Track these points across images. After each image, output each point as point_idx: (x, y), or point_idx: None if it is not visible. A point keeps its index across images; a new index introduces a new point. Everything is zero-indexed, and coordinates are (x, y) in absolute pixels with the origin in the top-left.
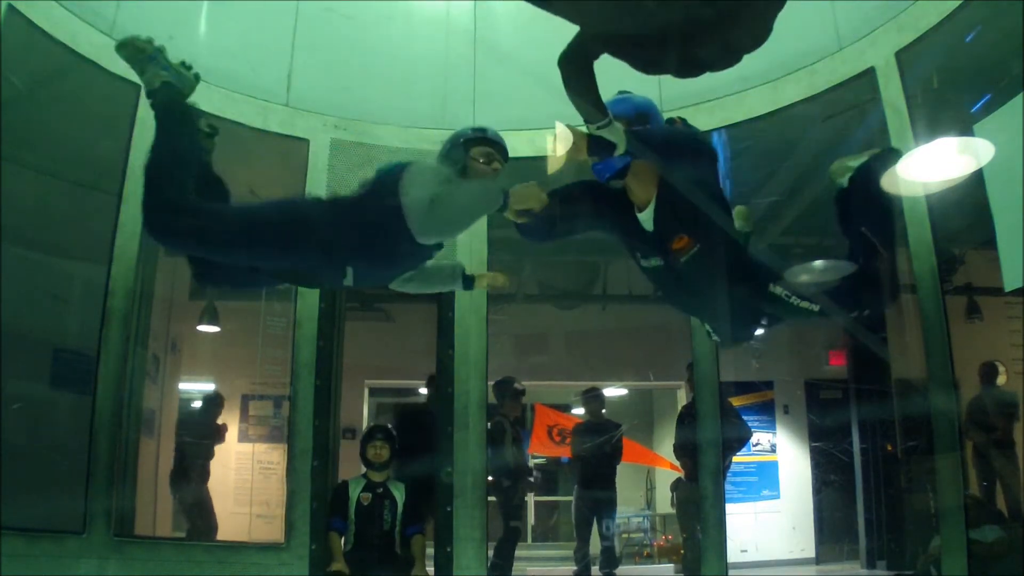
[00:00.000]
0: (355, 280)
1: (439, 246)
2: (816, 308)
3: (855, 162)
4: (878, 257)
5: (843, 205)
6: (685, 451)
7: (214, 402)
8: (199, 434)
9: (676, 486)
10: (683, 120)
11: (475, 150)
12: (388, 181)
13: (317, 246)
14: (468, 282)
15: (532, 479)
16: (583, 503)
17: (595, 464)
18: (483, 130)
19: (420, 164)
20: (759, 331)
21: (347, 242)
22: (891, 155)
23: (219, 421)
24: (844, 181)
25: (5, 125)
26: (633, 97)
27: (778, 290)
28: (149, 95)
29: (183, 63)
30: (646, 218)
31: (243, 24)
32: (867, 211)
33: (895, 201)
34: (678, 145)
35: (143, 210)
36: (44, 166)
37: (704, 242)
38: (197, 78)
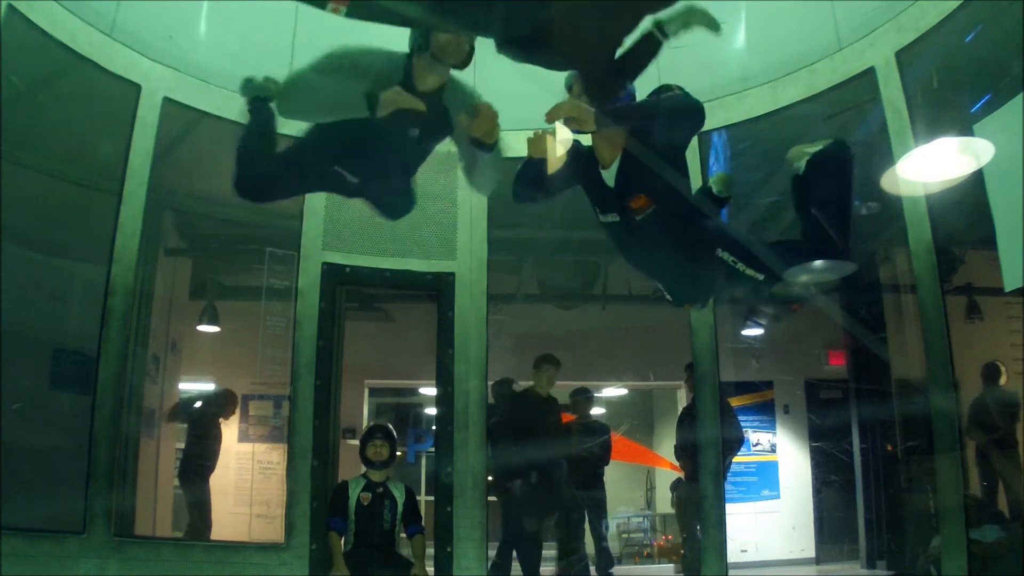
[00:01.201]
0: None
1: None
2: (761, 277)
3: (812, 149)
4: (828, 238)
5: (799, 189)
6: (685, 451)
7: (225, 399)
8: (208, 432)
9: (676, 486)
10: (680, 88)
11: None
12: None
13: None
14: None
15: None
16: (575, 503)
17: (583, 465)
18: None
19: None
20: (710, 296)
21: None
22: (844, 147)
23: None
24: (801, 166)
25: (5, 125)
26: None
27: (725, 255)
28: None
29: (272, 81)
30: (609, 175)
31: (243, 24)
32: (820, 194)
33: (848, 188)
34: (678, 112)
35: (239, 181)
36: (44, 166)
37: (661, 204)
38: (277, 86)
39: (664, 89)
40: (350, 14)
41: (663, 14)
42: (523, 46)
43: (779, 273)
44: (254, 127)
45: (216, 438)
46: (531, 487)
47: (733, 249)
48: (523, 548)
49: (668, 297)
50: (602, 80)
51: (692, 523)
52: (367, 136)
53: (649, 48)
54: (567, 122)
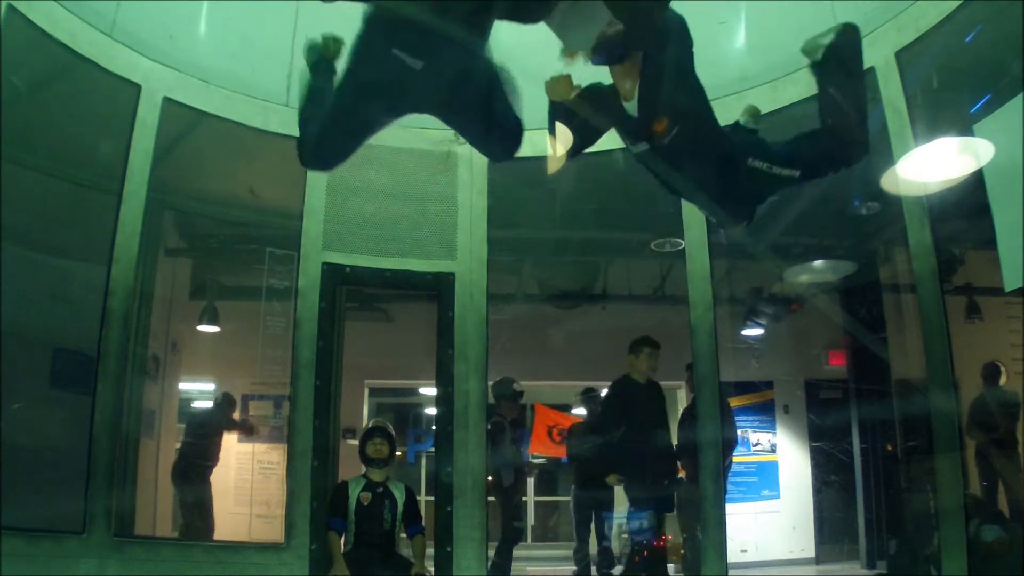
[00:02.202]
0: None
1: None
2: (796, 174)
3: (825, 40)
4: (847, 116)
5: (819, 76)
6: (686, 452)
7: (226, 401)
8: (211, 433)
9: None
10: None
11: None
12: None
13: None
14: None
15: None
16: (581, 503)
17: (592, 462)
18: None
19: None
20: (753, 211)
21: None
22: (854, 31)
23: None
24: (819, 56)
25: (5, 125)
26: None
27: (758, 163)
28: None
29: (334, 39)
30: (631, 107)
31: (243, 24)
32: (838, 79)
33: (861, 72)
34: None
35: (308, 150)
36: (44, 166)
37: (682, 122)
38: (338, 43)
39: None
40: None
41: None
42: None
43: (811, 165)
44: (317, 91)
45: (217, 439)
46: (651, 476)
47: (763, 155)
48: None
49: (712, 219)
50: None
51: (692, 523)
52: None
53: None
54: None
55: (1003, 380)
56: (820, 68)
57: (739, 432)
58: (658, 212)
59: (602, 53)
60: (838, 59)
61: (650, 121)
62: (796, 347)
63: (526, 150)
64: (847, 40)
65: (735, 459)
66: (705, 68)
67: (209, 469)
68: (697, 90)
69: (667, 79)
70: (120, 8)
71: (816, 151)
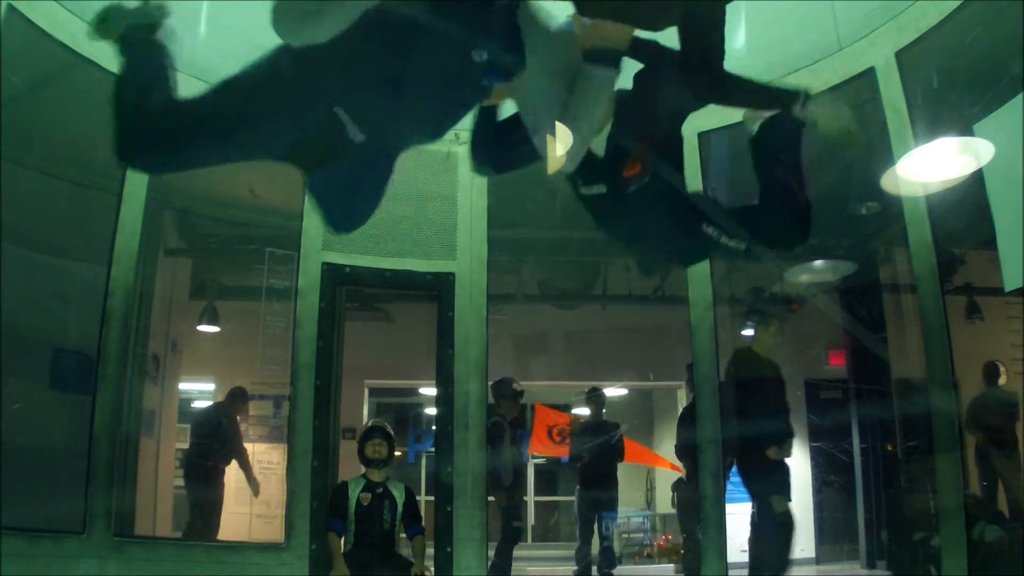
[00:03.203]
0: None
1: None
2: (742, 247)
3: (767, 113)
4: (790, 191)
5: (757, 147)
6: (686, 451)
7: (239, 396)
8: (217, 432)
9: (677, 486)
10: None
11: None
12: None
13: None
14: None
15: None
16: (585, 503)
17: (596, 464)
18: None
19: None
20: (686, 266)
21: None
22: (804, 99)
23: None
24: (756, 128)
25: (5, 125)
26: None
27: (710, 230)
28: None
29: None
30: (598, 141)
31: (243, 24)
32: (779, 151)
33: (800, 144)
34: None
35: (129, 144)
36: (44, 166)
37: (656, 173)
38: (161, 10)
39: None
40: None
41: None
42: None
43: (757, 239)
44: (142, 69)
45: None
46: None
47: (718, 224)
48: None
49: (638, 267)
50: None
51: (692, 523)
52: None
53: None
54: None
55: (1002, 380)
56: (759, 141)
57: None
58: None
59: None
60: (780, 133)
61: (619, 163)
62: (796, 347)
63: None
64: (788, 115)
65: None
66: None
67: (216, 469)
68: (680, 141)
69: (656, 116)
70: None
71: (758, 228)
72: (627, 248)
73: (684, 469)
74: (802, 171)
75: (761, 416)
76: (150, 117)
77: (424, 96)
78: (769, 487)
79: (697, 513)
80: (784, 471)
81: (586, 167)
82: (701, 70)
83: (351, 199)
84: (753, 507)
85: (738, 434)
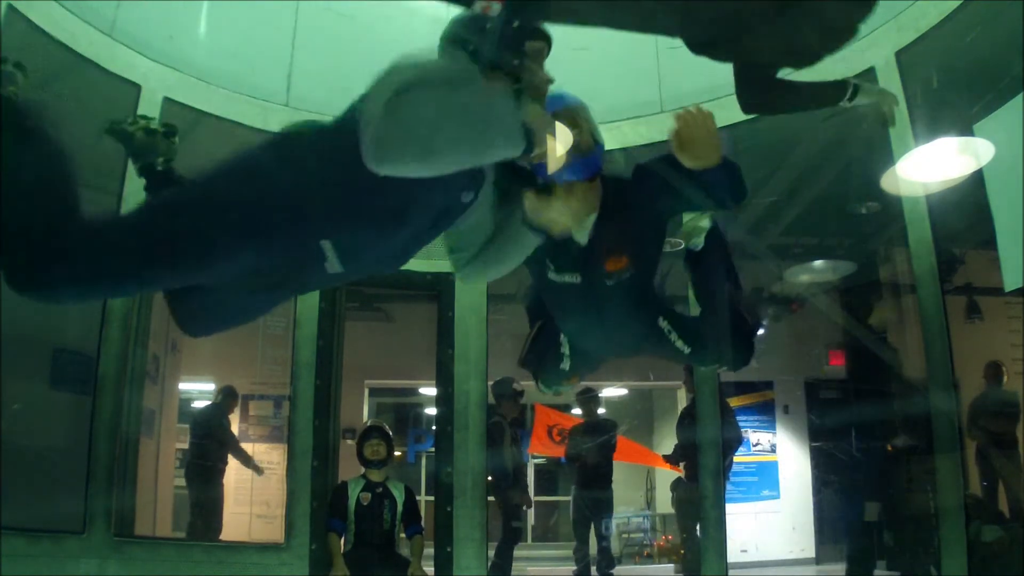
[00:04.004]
0: (345, 263)
1: (462, 199)
2: (687, 350)
3: (705, 223)
4: (736, 312)
5: (696, 264)
6: (686, 451)
7: (229, 396)
8: (214, 432)
9: (676, 486)
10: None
11: (535, 45)
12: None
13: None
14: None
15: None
16: (581, 503)
17: (592, 464)
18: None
19: (410, 57)
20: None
21: (304, 199)
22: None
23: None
24: (700, 242)
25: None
26: (567, 94)
27: (664, 324)
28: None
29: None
30: (581, 231)
31: (243, 24)
32: (720, 266)
33: (730, 255)
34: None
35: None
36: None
37: (638, 269)
38: (21, 68)
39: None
40: (506, 14)
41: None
42: (719, 45)
43: (703, 350)
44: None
45: (227, 437)
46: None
47: (672, 319)
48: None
49: (567, 361)
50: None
51: (691, 523)
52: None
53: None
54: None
55: (1004, 380)
56: (699, 255)
57: (742, 432)
58: None
59: (577, 167)
60: (719, 244)
61: (602, 256)
62: (796, 347)
63: None
64: (720, 228)
65: (735, 459)
66: (705, 68)
67: (214, 469)
68: (665, 234)
69: (645, 214)
70: (120, 8)
71: (705, 339)
72: (578, 339)
73: (683, 469)
74: (742, 293)
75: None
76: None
77: (401, 235)
78: (874, 485)
79: (696, 513)
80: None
81: (561, 255)
82: (757, 81)
83: (222, 316)
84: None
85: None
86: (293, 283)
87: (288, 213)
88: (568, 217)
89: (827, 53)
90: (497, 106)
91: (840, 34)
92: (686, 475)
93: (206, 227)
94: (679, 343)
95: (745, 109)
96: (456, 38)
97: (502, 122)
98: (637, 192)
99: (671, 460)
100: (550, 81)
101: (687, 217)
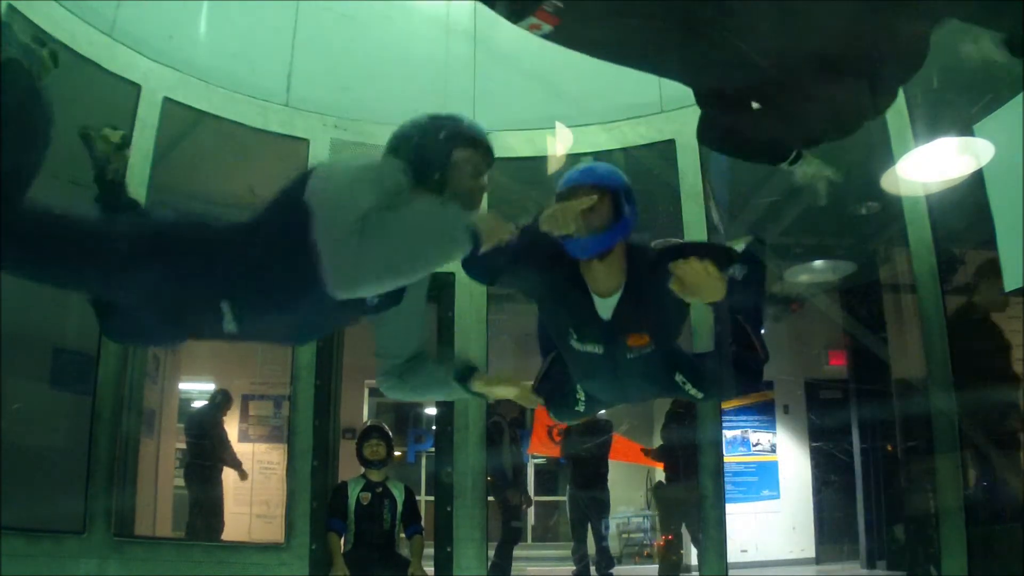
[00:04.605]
0: (239, 325)
1: (381, 303)
2: (700, 396)
3: (739, 245)
4: (748, 343)
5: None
6: (668, 452)
7: (225, 401)
8: (207, 434)
9: (657, 489)
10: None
11: (463, 153)
12: (292, 189)
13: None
14: (464, 381)
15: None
16: (576, 503)
17: (587, 464)
18: (470, 126)
19: (346, 163)
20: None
21: (225, 267)
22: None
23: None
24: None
25: None
26: (599, 167)
27: (679, 378)
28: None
29: (35, 38)
30: (605, 305)
31: (243, 24)
32: (744, 302)
33: (763, 296)
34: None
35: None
36: (44, 166)
37: (660, 345)
38: (54, 57)
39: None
40: (553, 37)
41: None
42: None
43: (711, 391)
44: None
45: (220, 438)
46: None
47: (686, 371)
48: None
49: (581, 399)
50: None
51: (675, 525)
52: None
53: None
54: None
55: None
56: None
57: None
58: (657, 212)
59: (589, 244)
60: (748, 279)
61: (625, 331)
62: (796, 347)
63: (526, 150)
64: (753, 256)
65: (735, 459)
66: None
67: (213, 469)
68: (688, 310)
69: (671, 294)
70: (120, 8)
71: (715, 379)
72: (601, 397)
73: (665, 469)
74: (761, 326)
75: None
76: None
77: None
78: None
79: (680, 513)
80: None
81: (584, 327)
82: (718, 125)
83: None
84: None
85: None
86: (194, 327)
87: (200, 269)
88: (601, 283)
89: (832, 139)
90: (444, 221)
91: (848, 123)
92: (666, 475)
93: (131, 253)
94: (692, 391)
95: (701, 141)
96: (391, 149)
97: (451, 236)
98: (665, 271)
99: (653, 456)
100: (482, 189)
101: None
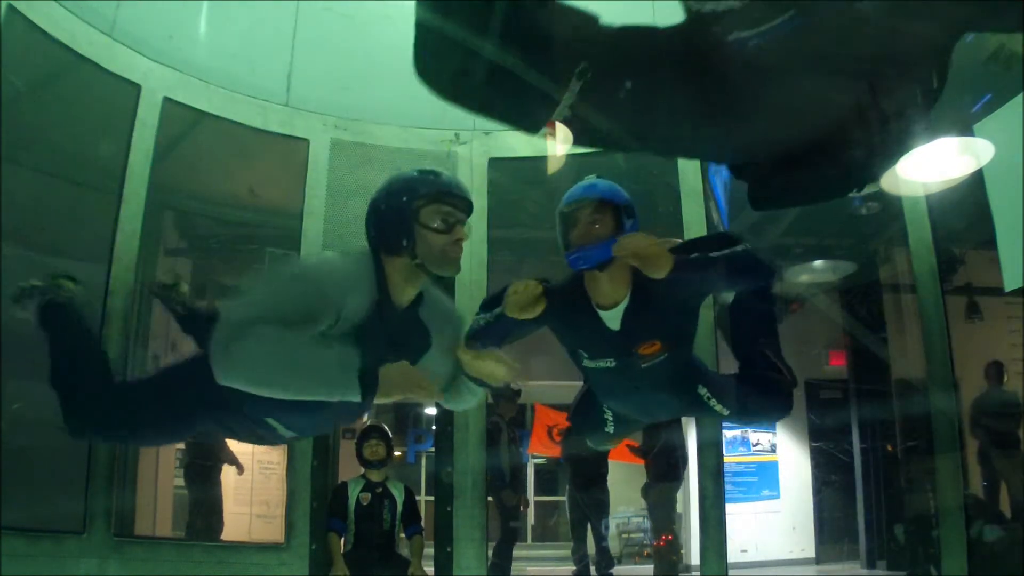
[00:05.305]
0: (290, 430)
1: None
2: (727, 412)
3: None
4: (775, 367)
5: (736, 316)
6: (650, 450)
7: None
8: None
9: (646, 491)
10: (746, 244)
11: (428, 210)
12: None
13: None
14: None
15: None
16: (576, 503)
17: (587, 464)
18: (436, 175)
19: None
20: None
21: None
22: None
23: None
24: (729, 296)
25: (5, 125)
26: (600, 183)
27: (704, 392)
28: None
29: (64, 276)
30: (612, 316)
31: (243, 24)
32: (757, 321)
33: (774, 310)
34: (750, 273)
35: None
36: (44, 166)
37: (672, 351)
38: (72, 279)
39: (729, 240)
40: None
41: None
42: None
43: (742, 411)
44: (66, 344)
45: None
46: None
47: (710, 385)
48: None
49: (609, 420)
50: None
51: (666, 526)
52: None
53: None
54: (635, 262)
55: (1006, 380)
56: (737, 306)
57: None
58: (657, 212)
59: (590, 255)
60: (758, 292)
61: (636, 340)
62: (796, 347)
63: (526, 150)
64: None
65: (735, 459)
66: None
67: (213, 469)
68: (697, 315)
69: (677, 301)
70: (120, 8)
71: (744, 400)
72: (623, 410)
73: (648, 470)
74: (778, 344)
75: None
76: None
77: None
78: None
79: (667, 515)
80: None
81: (593, 342)
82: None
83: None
84: None
85: None
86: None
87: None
88: (605, 295)
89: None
90: (327, 359)
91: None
92: (649, 474)
93: (186, 407)
94: (718, 407)
95: (757, 208)
96: (366, 223)
97: (330, 373)
98: (668, 278)
99: (636, 452)
100: (457, 243)
101: None
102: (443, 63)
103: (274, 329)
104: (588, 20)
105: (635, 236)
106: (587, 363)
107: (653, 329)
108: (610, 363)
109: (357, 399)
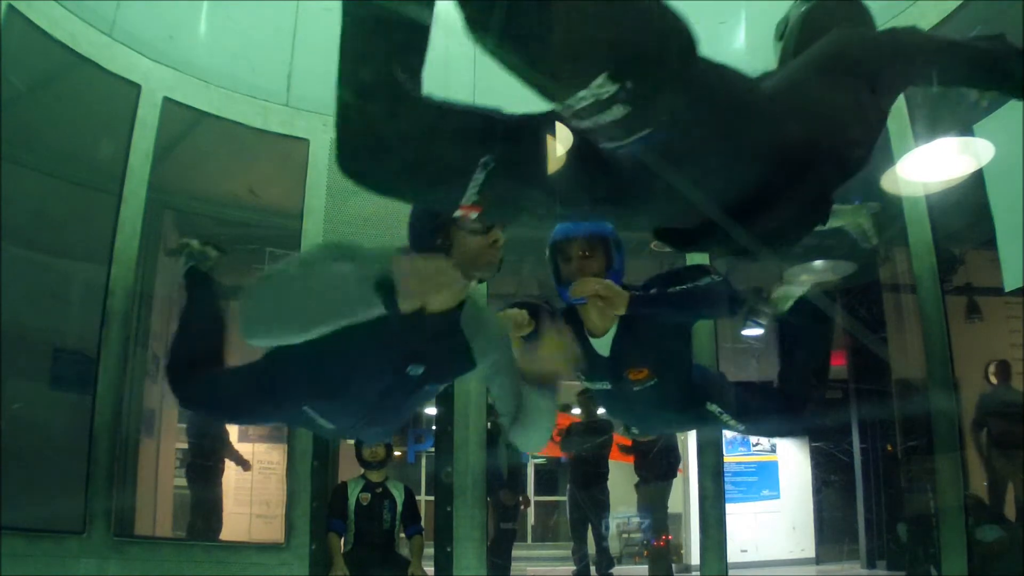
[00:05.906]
0: (331, 422)
1: (409, 372)
2: (742, 428)
3: (794, 291)
4: (809, 387)
5: (784, 331)
6: (640, 451)
7: None
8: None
9: (637, 489)
10: (718, 274)
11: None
12: None
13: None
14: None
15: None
16: (576, 503)
17: (587, 464)
18: None
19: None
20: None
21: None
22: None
23: None
24: (787, 306)
25: (5, 125)
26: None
27: (714, 408)
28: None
29: (208, 243)
30: (602, 343)
31: (243, 24)
32: (806, 338)
33: (831, 332)
34: (718, 304)
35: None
36: (44, 166)
37: (663, 376)
38: (221, 250)
39: (698, 272)
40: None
41: None
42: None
43: (755, 426)
44: (194, 311)
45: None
46: None
47: (720, 401)
48: None
49: (634, 430)
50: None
51: (662, 526)
52: (348, 375)
53: None
54: (593, 301)
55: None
56: (787, 321)
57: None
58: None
59: (564, 295)
60: (807, 318)
61: (625, 366)
62: None
63: None
64: (820, 301)
65: (735, 459)
66: None
67: (213, 468)
68: (688, 340)
69: (661, 330)
70: (120, 8)
71: (763, 415)
72: (636, 426)
73: (639, 470)
74: (827, 364)
75: None
76: (207, 372)
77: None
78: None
79: (661, 513)
80: None
81: (588, 368)
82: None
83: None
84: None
85: None
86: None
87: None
88: (595, 324)
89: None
90: (341, 276)
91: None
92: (639, 473)
93: (272, 388)
94: (732, 423)
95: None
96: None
97: (346, 290)
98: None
99: (625, 451)
100: (495, 245)
101: (777, 290)
102: (368, 162)
103: (295, 268)
104: (489, 115)
105: (587, 280)
106: (587, 384)
107: (641, 356)
108: (605, 385)
109: (379, 308)
